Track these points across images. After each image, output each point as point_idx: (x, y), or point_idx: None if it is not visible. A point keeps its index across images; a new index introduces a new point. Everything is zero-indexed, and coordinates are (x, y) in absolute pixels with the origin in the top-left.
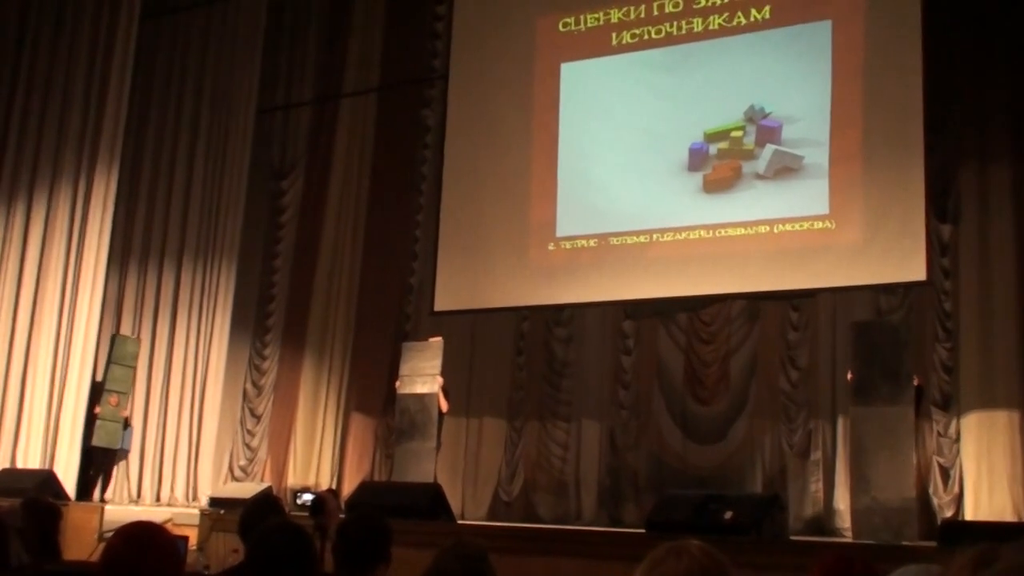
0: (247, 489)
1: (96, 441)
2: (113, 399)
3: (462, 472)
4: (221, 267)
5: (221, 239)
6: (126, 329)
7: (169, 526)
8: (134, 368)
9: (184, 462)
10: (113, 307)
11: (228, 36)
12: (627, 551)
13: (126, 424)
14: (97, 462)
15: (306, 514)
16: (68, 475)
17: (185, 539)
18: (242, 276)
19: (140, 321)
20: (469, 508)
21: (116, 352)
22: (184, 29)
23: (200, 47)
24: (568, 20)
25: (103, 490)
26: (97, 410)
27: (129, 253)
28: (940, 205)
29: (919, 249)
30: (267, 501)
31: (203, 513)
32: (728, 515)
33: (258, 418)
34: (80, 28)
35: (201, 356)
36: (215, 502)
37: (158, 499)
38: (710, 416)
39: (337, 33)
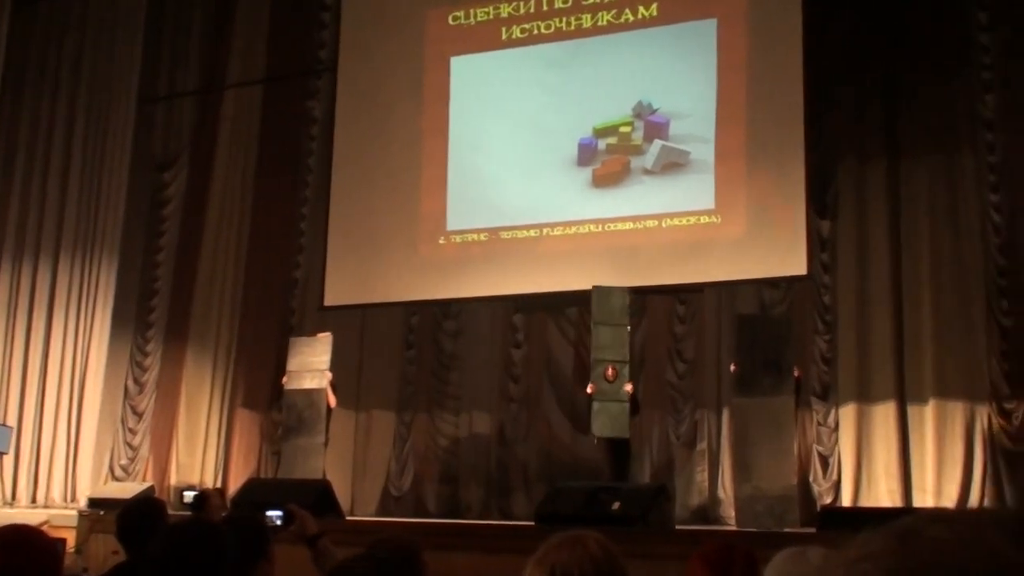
0: (128, 489)
1: (598, 430)
2: (609, 371)
3: (351, 467)
4: (101, 261)
5: (101, 232)
6: None
7: (46, 528)
8: (627, 327)
9: (62, 462)
10: None
11: (107, 22)
12: (517, 544)
13: (635, 407)
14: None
15: (190, 512)
16: None
17: (63, 541)
18: (123, 270)
19: (15, 317)
20: (359, 504)
21: (600, 309)
22: (61, 15)
23: (78, 34)
24: (458, 13)
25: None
26: (590, 388)
27: (1, 247)
28: (820, 201)
29: (799, 244)
30: (148, 502)
31: (82, 514)
32: (616, 506)
33: (140, 416)
34: None
35: (80, 353)
36: (94, 503)
37: (34, 500)
38: None
39: (222, 22)
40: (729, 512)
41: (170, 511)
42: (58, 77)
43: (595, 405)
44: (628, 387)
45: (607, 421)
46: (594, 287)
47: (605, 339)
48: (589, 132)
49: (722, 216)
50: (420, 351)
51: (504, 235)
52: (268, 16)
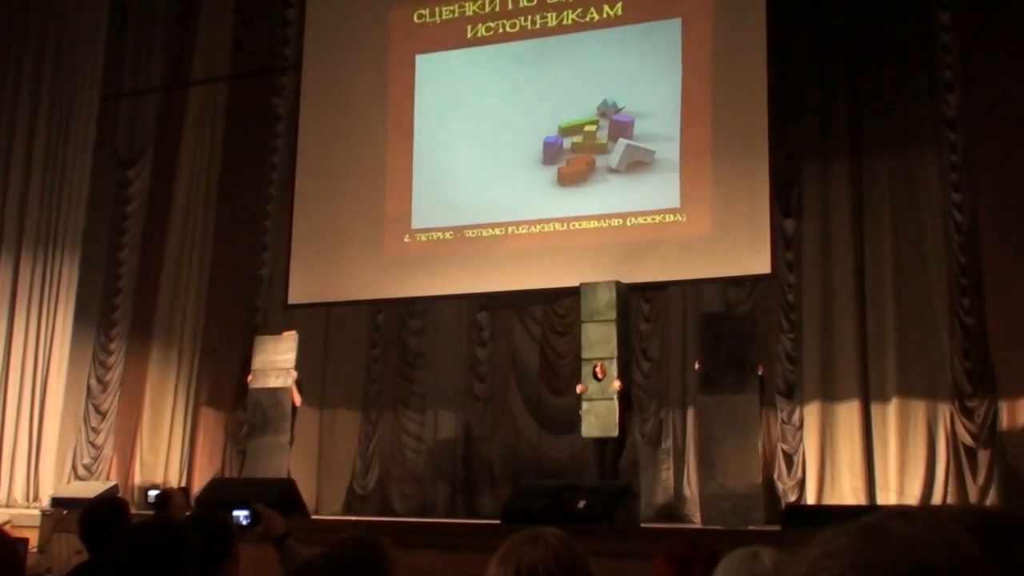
0: (91, 488)
1: (587, 431)
2: (599, 368)
3: (316, 466)
4: (64, 259)
5: (63, 229)
6: None
7: (8, 528)
8: (615, 321)
9: (24, 461)
10: None
11: (70, 17)
12: (482, 542)
13: (628, 403)
14: None
15: (153, 512)
16: None
17: (25, 541)
18: (86, 268)
19: None
20: (324, 503)
21: (587, 306)
22: (22, 9)
23: (40, 29)
24: (423, 11)
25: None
26: (580, 388)
27: None
28: (784, 200)
29: (764, 243)
30: (112, 501)
31: (44, 514)
32: (581, 504)
33: (103, 415)
34: None
35: (42, 351)
36: (57, 502)
37: None
38: (565, 407)
39: (186, 18)
40: (694, 510)
41: (133, 510)
42: (19, 73)
43: (584, 405)
44: (616, 384)
45: (595, 421)
46: (581, 284)
47: (593, 336)
48: (554, 131)
49: (687, 215)
50: (385, 349)
51: (469, 233)
52: (233, 13)
